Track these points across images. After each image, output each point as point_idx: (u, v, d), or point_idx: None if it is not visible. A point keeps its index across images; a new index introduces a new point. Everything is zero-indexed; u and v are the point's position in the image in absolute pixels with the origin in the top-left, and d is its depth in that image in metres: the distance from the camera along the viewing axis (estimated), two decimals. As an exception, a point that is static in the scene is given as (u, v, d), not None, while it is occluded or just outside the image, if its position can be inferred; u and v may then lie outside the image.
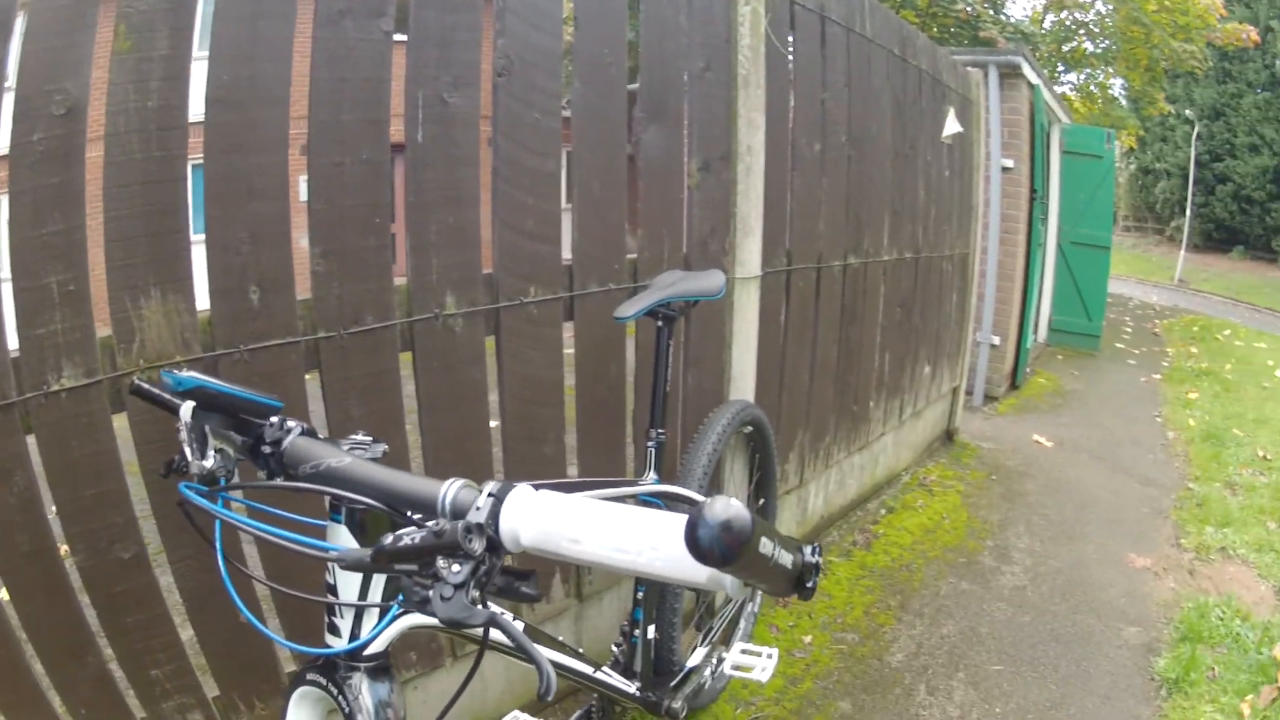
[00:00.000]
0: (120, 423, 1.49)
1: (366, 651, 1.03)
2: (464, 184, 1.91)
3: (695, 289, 2.13)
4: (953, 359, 5.29)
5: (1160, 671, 2.83)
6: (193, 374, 1.06)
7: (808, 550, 0.81)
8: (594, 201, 2.26)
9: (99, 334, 1.45)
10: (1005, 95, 6.09)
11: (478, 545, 0.78)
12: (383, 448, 1.08)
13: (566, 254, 2.21)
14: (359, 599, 1.03)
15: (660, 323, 2.08)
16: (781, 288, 3.14)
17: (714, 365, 2.81)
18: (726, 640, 2.57)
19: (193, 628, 1.68)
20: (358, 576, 1.02)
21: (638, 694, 1.87)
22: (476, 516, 0.82)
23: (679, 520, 0.71)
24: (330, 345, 1.72)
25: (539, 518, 0.81)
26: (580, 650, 1.64)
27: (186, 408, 1.06)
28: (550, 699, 0.80)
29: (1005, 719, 2.56)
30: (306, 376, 1.70)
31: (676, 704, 1.97)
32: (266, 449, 1.06)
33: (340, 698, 1.03)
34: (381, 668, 1.06)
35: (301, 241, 1.61)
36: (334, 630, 1.06)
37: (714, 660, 2.20)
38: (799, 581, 0.80)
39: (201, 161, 1.53)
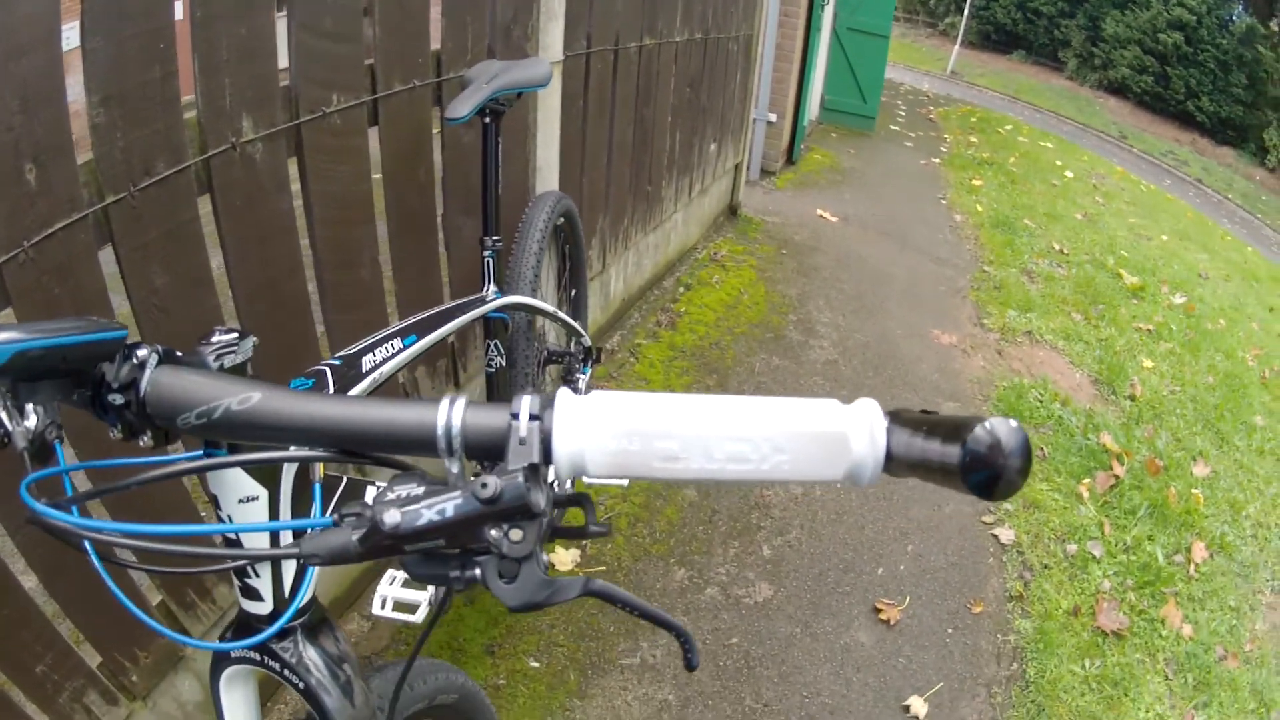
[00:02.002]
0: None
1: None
2: (250, -14, 1.59)
3: (521, 79, 1.97)
4: (736, 136, 5.38)
5: (987, 449, 3.09)
6: (7, 334, 0.66)
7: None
8: (392, -11, 1.98)
9: None
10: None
11: (541, 497, 0.56)
12: (253, 341, 0.79)
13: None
14: (273, 546, 0.81)
15: (488, 119, 1.94)
16: (581, 72, 3.02)
17: (518, 157, 2.69)
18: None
19: (56, 600, 1.49)
20: (261, 509, 0.81)
21: None
22: (525, 455, 0.55)
23: (824, 412, 0.55)
24: (121, 209, 1.42)
25: (610, 435, 0.55)
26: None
27: None
28: (697, 668, 0.65)
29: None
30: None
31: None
32: (116, 398, 0.69)
33: (284, 671, 0.88)
34: (317, 618, 0.91)
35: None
36: (250, 593, 0.86)
37: None
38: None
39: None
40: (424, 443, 0.58)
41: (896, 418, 0.53)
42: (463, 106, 1.78)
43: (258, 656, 0.89)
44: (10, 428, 0.68)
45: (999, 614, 2.64)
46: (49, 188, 1.30)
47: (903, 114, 11.83)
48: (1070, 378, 4.02)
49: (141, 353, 0.68)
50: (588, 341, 2.57)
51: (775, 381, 3.38)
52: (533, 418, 0.56)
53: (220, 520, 0.81)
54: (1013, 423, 0.48)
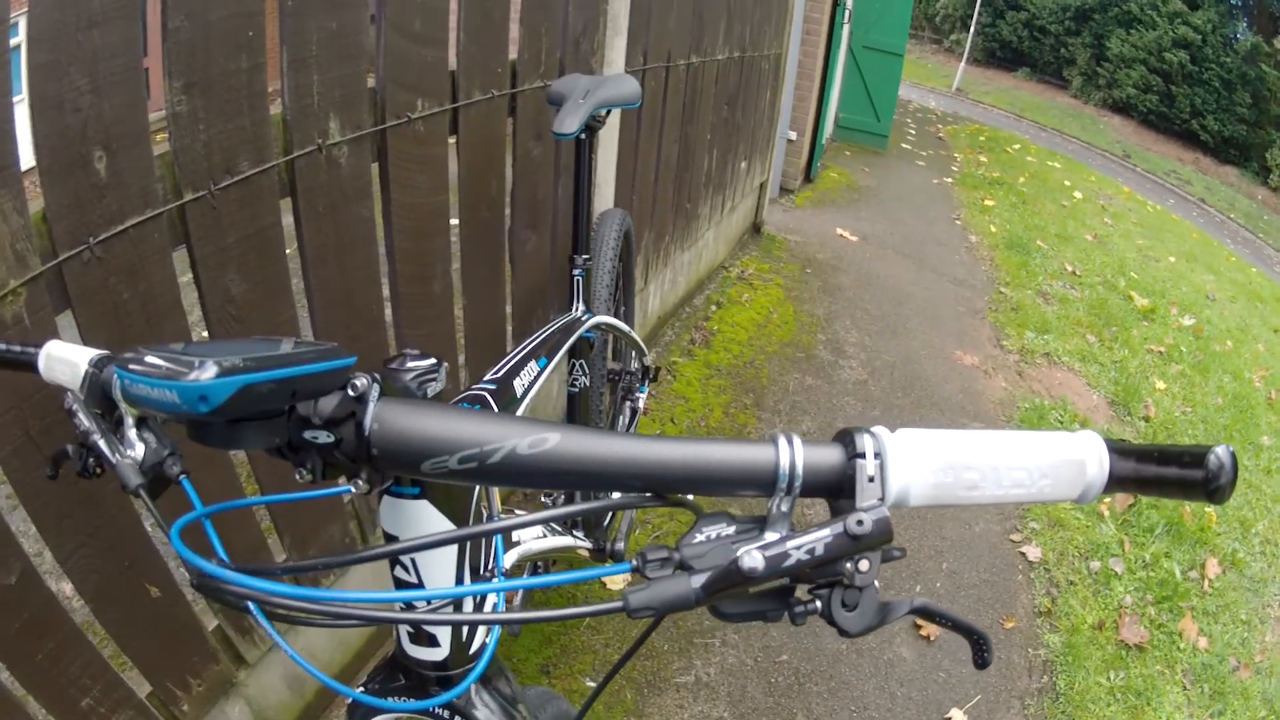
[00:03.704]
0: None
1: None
2: (345, -22, 1.35)
3: (615, 96, 1.72)
4: (763, 154, 5.08)
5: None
6: (225, 362, 0.49)
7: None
8: (479, -5, 1.74)
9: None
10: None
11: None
12: (445, 368, 0.65)
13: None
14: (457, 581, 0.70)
15: (583, 134, 1.70)
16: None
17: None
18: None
19: (107, 629, 1.25)
20: (451, 558, 0.69)
21: (592, 546, 1.75)
22: (873, 492, 0.51)
23: (1067, 442, 0.54)
24: (200, 209, 1.19)
25: (929, 469, 0.52)
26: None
27: (75, 374, 0.63)
28: (989, 666, 0.61)
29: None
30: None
31: (619, 546, 1.84)
32: (319, 436, 0.54)
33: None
34: (494, 666, 0.79)
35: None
36: (422, 638, 0.72)
37: None
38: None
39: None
40: (761, 481, 0.52)
41: (1114, 446, 0.54)
42: (571, 122, 1.55)
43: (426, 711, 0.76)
44: (115, 459, 0.58)
45: (1029, 629, 2.50)
46: (120, 179, 1.07)
47: (913, 132, 11.27)
48: (1088, 399, 3.82)
49: (360, 383, 0.54)
50: (648, 360, 2.33)
51: (809, 401, 3.17)
52: (875, 455, 0.52)
53: (401, 564, 0.68)
54: (1230, 448, 0.50)
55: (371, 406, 0.54)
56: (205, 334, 1.36)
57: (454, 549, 0.68)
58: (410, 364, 0.62)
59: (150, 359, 0.50)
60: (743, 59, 4.00)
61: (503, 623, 0.60)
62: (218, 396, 0.47)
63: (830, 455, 0.52)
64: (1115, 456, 0.53)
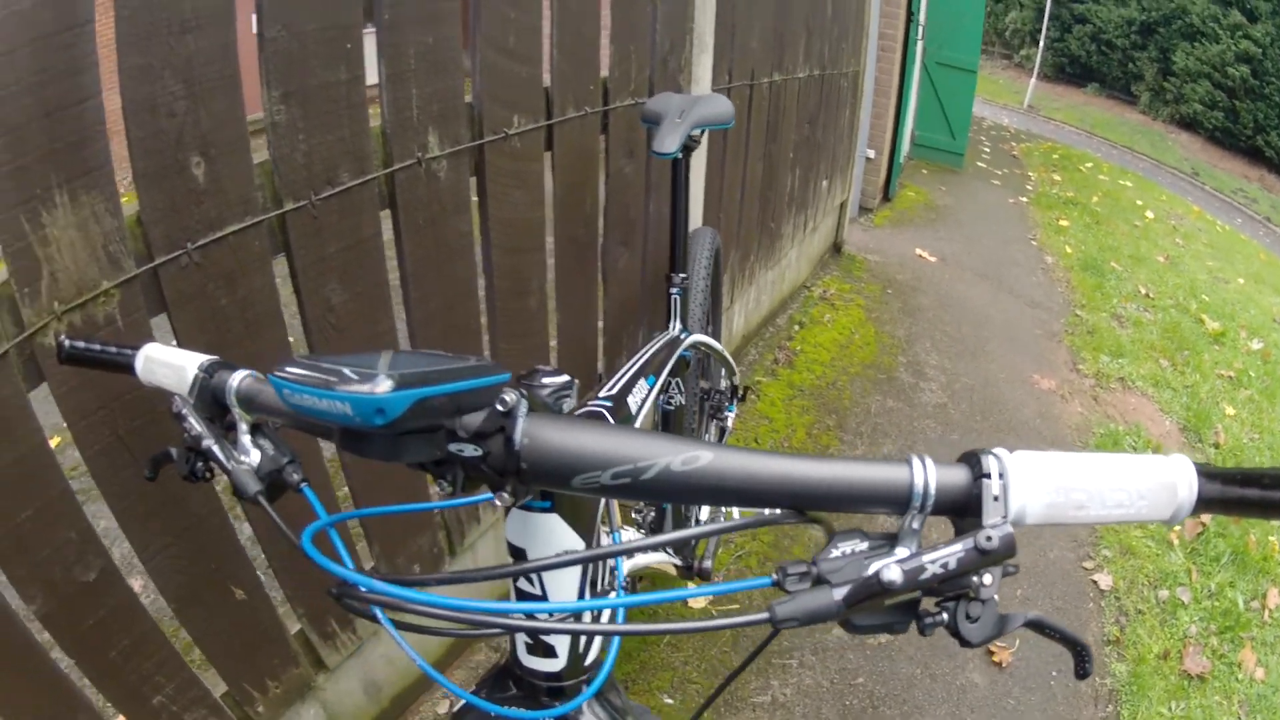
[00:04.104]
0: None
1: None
2: (445, -9, 1.26)
3: (710, 115, 1.58)
4: (843, 173, 4.82)
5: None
6: (399, 373, 0.46)
7: None
8: (572, 12, 1.62)
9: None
10: (891, -82, 5.10)
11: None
12: (576, 384, 0.63)
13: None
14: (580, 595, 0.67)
15: (680, 154, 1.58)
16: (725, 106, 2.62)
17: (667, 190, 2.31)
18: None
19: (186, 628, 1.18)
20: (576, 571, 0.66)
21: (680, 564, 1.67)
22: (998, 510, 0.50)
23: (1162, 466, 0.52)
24: (300, 218, 1.10)
25: (1045, 490, 0.51)
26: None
27: (181, 378, 0.65)
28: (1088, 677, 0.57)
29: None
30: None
31: (707, 564, 1.72)
32: (465, 449, 0.52)
33: None
34: (608, 681, 0.73)
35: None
36: (539, 649, 0.68)
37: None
38: None
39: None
40: (896, 499, 0.51)
41: (1202, 470, 0.51)
42: (671, 141, 1.45)
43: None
44: (231, 465, 0.59)
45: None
46: (219, 186, 0.99)
47: (987, 150, 10.58)
48: (1160, 425, 3.54)
49: (509, 398, 0.52)
50: (737, 379, 2.20)
51: (891, 424, 2.98)
52: (999, 476, 0.51)
53: (523, 575, 0.65)
54: None
55: (521, 422, 0.52)
56: (298, 342, 1.29)
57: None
58: (546, 380, 0.61)
59: (306, 369, 0.47)
60: (823, 76, 3.80)
61: (642, 634, 0.58)
62: (395, 409, 0.45)
63: (958, 476, 0.51)
64: (1203, 479, 0.52)
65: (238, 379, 0.64)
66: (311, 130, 1.08)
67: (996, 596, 0.51)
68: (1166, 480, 0.52)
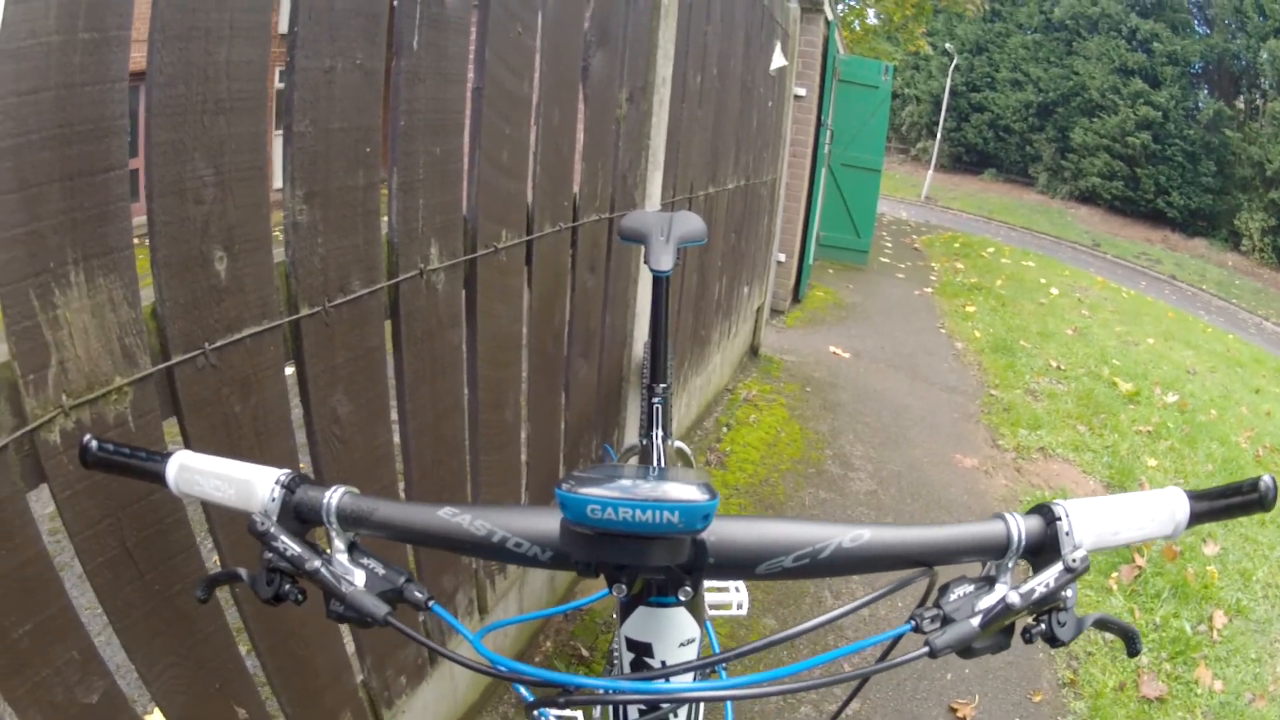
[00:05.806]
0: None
1: None
2: (450, 105, 1.22)
3: (689, 233, 1.57)
4: (761, 278, 4.95)
5: (1023, 563, 2.72)
6: (703, 489, 0.52)
7: None
8: (553, 131, 1.63)
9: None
10: (804, 29, 5.40)
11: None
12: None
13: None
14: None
15: (671, 272, 1.57)
16: (668, 220, 2.64)
17: (622, 304, 2.29)
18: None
19: (272, 677, 1.10)
20: (694, 650, 0.67)
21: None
22: (1070, 542, 0.60)
23: (1164, 496, 0.62)
24: (313, 325, 1.01)
25: (1093, 525, 0.62)
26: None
27: (247, 492, 0.60)
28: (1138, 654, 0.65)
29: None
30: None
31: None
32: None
33: None
34: None
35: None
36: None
37: None
38: None
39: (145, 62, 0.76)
40: (997, 549, 0.60)
41: (1190, 494, 0.61)
42: (666, 260, 1.45)
43: None
44: (346, 590, 0.56)
45: (1056, 700, 2.34)
46: (240, 284, 0.90)
47: (889, 245, 10.87)
48: (1085, 485, 3.64)
49: None
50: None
51: (826, 514, 2.96)
52: (1064, 517, 0.61)
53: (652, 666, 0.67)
54: (1272, 476, 0.59)
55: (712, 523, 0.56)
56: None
57: (696, 643, 0.67)
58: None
59: (596, 487, 0.50)
60: (747, 186, 3.91)
61: (814, 687, 0.63)
62: (711, 514, 0.51)
63: (1037, 524, 0.61)
64: (1192, 500, 0.61)
65: (335, 496, 0.59)
66: (330, 234, 1.01)
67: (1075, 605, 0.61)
68: (1167, 506, 0.61)
